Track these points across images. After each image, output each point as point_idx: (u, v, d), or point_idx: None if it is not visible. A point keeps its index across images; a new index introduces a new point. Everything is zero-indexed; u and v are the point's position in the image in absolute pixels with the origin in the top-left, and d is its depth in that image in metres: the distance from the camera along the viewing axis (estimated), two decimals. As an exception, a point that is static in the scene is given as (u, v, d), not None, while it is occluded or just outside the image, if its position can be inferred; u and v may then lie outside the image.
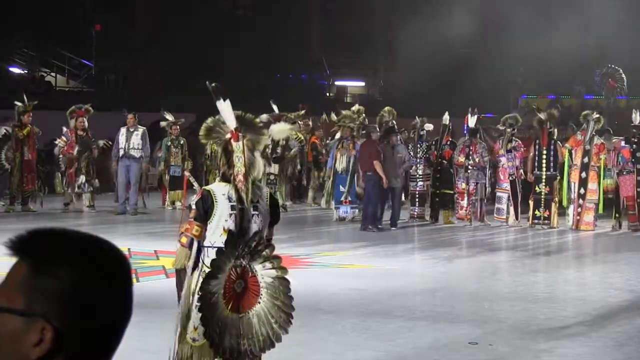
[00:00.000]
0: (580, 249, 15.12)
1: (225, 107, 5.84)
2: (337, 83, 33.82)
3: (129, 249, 12.22)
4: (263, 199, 5.84)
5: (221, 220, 5.69)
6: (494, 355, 7.63)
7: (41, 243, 1.61)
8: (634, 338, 8.27)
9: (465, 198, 16.76)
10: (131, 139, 17.38)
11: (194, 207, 5.89)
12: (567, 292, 10.70)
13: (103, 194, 18.68)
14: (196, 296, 5.50)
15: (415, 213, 17.62)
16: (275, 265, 5.55)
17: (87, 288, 1.59)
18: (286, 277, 5.59)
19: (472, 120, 17.16)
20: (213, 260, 5.47)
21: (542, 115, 16.58)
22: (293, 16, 31.78)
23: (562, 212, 16.95)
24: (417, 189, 17.64)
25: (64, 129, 17.51)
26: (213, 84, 5.85)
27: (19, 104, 17.22)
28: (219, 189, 5.80)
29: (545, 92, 27.22)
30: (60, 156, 17.58)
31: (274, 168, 18.59)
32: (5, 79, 28.08)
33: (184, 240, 5.82)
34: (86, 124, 17.43)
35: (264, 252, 5.52)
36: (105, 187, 18.74)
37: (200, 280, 5.53)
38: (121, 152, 17.39)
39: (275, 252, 5.62)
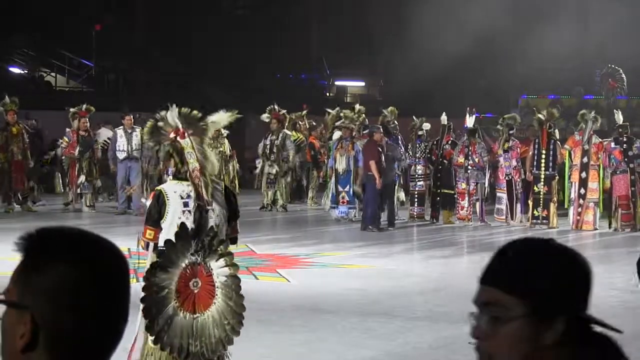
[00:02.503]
0: (581, 249, 14.99)
1: (170, 114, 5.78)
2: (337, 83, 33.80)
3: (129, 249, 12.19)
4: (219, 193, 5.80)
5: (174, 218, 5.67)
6: (494, 355, 7.62)
7: (35, 241, 1.63)
8: (634, 338, 8.27)
9: (466, 198, 16.76)
10: (132, 140, 17.37)
11: (146, 209, 5.93)
12: (567, 292, 10.68)
13: (104, 194, 18.69)
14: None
15: (415, 213, 17.61)
16: (227, 262, 5.47)
17: (76, 287, 1.59)
18: (237, 275, 5.52)
19: (470, 120, 17.15)
20: (161, 252, 5.38)
21: (542, 115, 16.59)
22: (293, 16, 31.78)
23: (564, 212, 16.93)
24: (417, 188, 17.63)
25: (67, 129, 17.53)
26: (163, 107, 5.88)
27: (0, 108, 17.10)
28: (171, 187, 5.79)
29: (545, 92, 27.21)
30: (63, 156, 17.60)
31: (274, 168, 18.59)
32: (5, 79, 28.04)
33: (142, 244, 5.88)
34: (88, 124, 17.46)
35: (219, 249, 5.45)
36: (106, 187, 18.75)
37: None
38: (123, 155, 17.35)
39: (230, 249, 5.57)
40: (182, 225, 5.47)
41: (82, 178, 17.36)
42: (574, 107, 23.05)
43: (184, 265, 5.34)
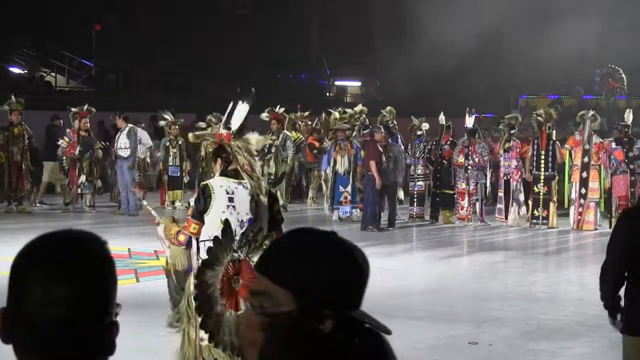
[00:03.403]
0: (581, 249, 15.11)
1: (242, 110, 5.96)
2: (337, 83, 33.82)
3: (129, 249, 12.22)
4: (262, 193, 5.91)
5: (218, 212, 5.74)
6: (494, 355, 7.63)
7: (21, 252, 1.74)
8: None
9: (466, 198, 16.76)
10: (119, 140, 17.38)
11: (192, 204, 5.96)
12: (567, 292, 10.70)
13: (104, 194, 18.70)
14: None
15: (415, 213, 17.60)
16: None
17: (44, 292, 1.68)
18: None
19: (470, 121, 17.15)
20: (209, 249, 5.40)
21: (540, 117, 16.59)
22: (293, 16, 31.78)
23: (564, 212, 16.93)
24: (416, 189, 17.62)
25: (68, 129, 17.55)
26: (251, 90, 6.07)
27: (5, 107, 17.08)
28: (217, 182, 5.88)
29: (545, 92, 27.21)
30: (64, 157, 17.61)
31: (274, 168, 18.57)
32: (5, 79, 28.04)
33: (182, 238, 5.86)
34: (89, 124, 17.49)
35: (264, 244, 5.50)
36: (106, 187, 18.76)
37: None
38: (115, 154, 17.47)
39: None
40: (226, 222, 5.52)
41: (83, 178, 17.38)
42: (574, 107, 23.06)
43: (226, 262, 5.37)
